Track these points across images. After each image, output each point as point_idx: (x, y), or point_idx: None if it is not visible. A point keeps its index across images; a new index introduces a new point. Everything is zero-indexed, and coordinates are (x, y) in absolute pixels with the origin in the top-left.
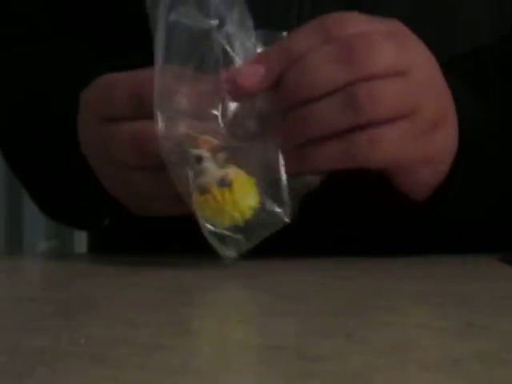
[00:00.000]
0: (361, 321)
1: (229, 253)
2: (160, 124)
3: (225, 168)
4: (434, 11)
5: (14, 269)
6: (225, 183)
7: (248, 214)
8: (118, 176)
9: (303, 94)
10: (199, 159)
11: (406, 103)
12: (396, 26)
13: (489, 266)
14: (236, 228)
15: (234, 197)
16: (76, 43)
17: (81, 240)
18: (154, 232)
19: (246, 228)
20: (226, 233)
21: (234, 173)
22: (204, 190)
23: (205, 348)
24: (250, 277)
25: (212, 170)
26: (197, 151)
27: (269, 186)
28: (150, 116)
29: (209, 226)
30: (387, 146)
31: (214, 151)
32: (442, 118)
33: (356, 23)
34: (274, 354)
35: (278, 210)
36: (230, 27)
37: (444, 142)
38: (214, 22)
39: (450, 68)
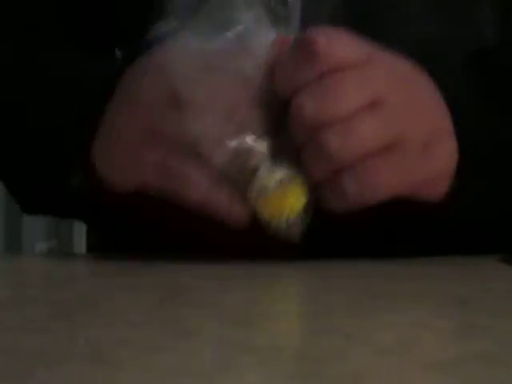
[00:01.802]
0: (361, 321)
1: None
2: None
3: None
4: (444, 11)
5: (14, 269)
6: (283, 184)
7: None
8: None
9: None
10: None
11: (382, 136)
12: (371, 52)
13: (489, 267)
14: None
15: (291, 197)
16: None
17: (80, 240)
18: (153, 232)
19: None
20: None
21: (286, 175)
22: (265, 192)
23: (205, 348)
24: (250, 277)
25: (268, 174)
26: (253, 160)
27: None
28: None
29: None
30: (378, 184)
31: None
32: (434, 137)
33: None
34: (274, 354)
35: None
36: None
37: (442, 158)
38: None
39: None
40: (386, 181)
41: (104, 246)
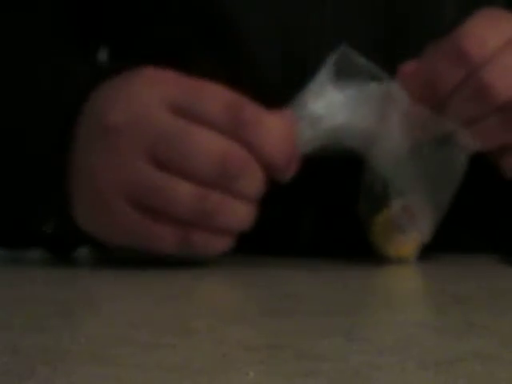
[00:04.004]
0: (360, 320)
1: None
2: None
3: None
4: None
5: (15, 268)
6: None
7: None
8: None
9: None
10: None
11: None
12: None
13: (488, 266)
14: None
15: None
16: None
17: None
18: None
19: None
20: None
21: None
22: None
23: (205, 348)
24: (250, 276)
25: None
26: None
27: None
28: (244, 138)
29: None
30: None
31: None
32: None
33: (487, 41)
34: (273, 354)
35: None
36: None
37: None
38: None
39: None
40: None
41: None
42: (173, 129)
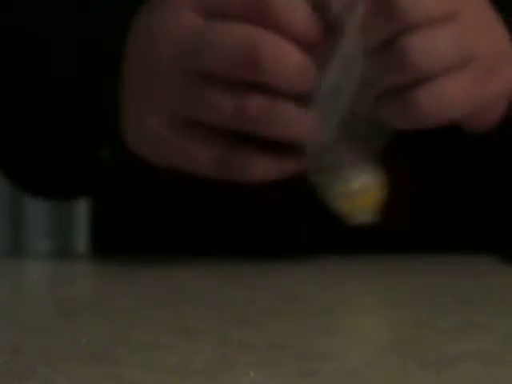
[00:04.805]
0: (360, 320)
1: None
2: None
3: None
4: None
5: (16, 269)
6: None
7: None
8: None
9: None
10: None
11: (460, 51)
12: None
13: (489, 266)
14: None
15: (374, 196)
16: None
17: (81, 240)
18: (155, 232)
19: None
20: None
21: (370, 176)
22: (350, 195)
23: (205, 347)
24: (250, 277)
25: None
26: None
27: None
28: (270, 23)
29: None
30: (454, 100)
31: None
32: (498, 62)
33: None
34: (273, 354)
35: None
36: None
37: (500, 86)
38: None
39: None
40: (461, 97)
41: (106, 246)
42: (196, 34)
